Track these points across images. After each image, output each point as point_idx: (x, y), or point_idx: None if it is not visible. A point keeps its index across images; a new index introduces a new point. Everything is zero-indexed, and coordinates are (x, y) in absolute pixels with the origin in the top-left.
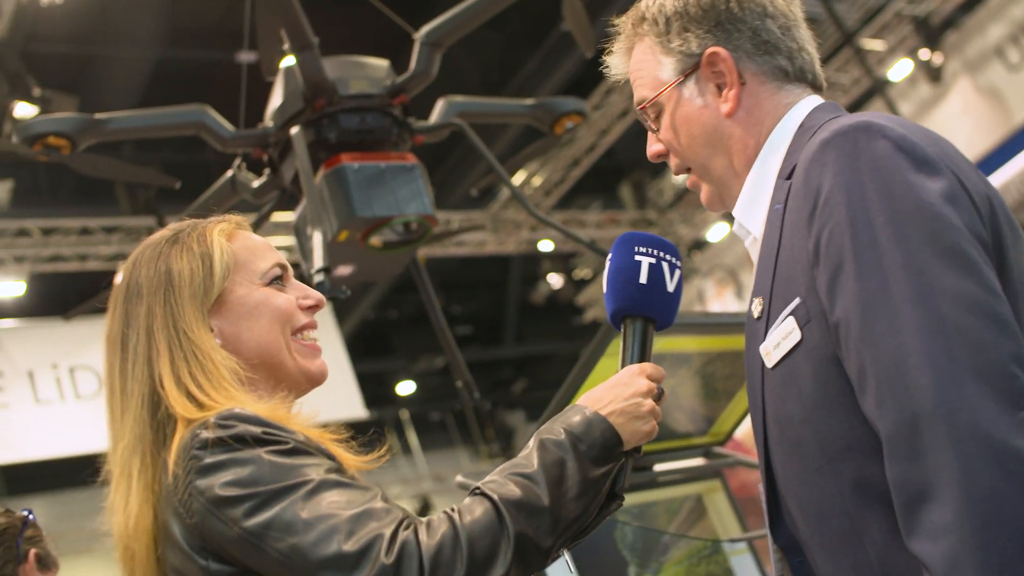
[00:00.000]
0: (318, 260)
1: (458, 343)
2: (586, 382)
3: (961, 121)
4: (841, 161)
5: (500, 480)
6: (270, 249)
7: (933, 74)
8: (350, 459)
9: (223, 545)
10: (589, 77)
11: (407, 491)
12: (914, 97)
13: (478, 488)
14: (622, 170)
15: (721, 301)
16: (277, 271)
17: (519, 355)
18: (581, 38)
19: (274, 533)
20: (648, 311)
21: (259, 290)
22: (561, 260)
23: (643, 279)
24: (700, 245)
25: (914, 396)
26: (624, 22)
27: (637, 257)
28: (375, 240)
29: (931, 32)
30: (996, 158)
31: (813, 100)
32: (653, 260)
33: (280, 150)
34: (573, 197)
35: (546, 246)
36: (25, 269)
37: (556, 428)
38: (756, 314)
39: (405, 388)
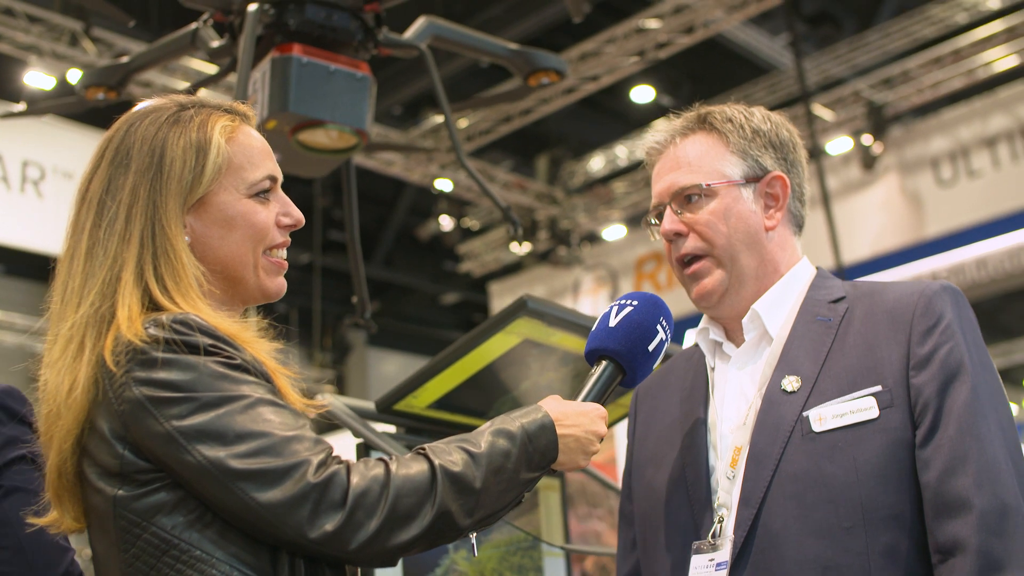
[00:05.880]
0: None
1: (330, 246)
2: (477, 349)
3: (878, 214)
4: (957, 306)
5: (446, 448)
6: (266, 156)
7: (868, 160)
8: (293, 398)
9: (146, 439)
10: (548, 42)
11: None
12: (843, 175)
13: (422, 448)
14: (546, 142)
15: (594, 298)
16: (266, 184)
17: (382, 279)
18: (573, 3)
19: (203, 439)
20: (633, 370)
21: (242, 201)
22: (454, 204)
23: (651, 347)
24: (593, 239)
25: (1007, 489)
26: (697, 112)
27: (658, 327)
28: (303, 137)
29: (880, 121)
30: (896, 258)
31: (807, 261)
32: (665, 338)
33: (241, 20)
34: (488, 149)
35: (444, 185)
36: None
37: (513, 421)
38: (790, 388)
39: None
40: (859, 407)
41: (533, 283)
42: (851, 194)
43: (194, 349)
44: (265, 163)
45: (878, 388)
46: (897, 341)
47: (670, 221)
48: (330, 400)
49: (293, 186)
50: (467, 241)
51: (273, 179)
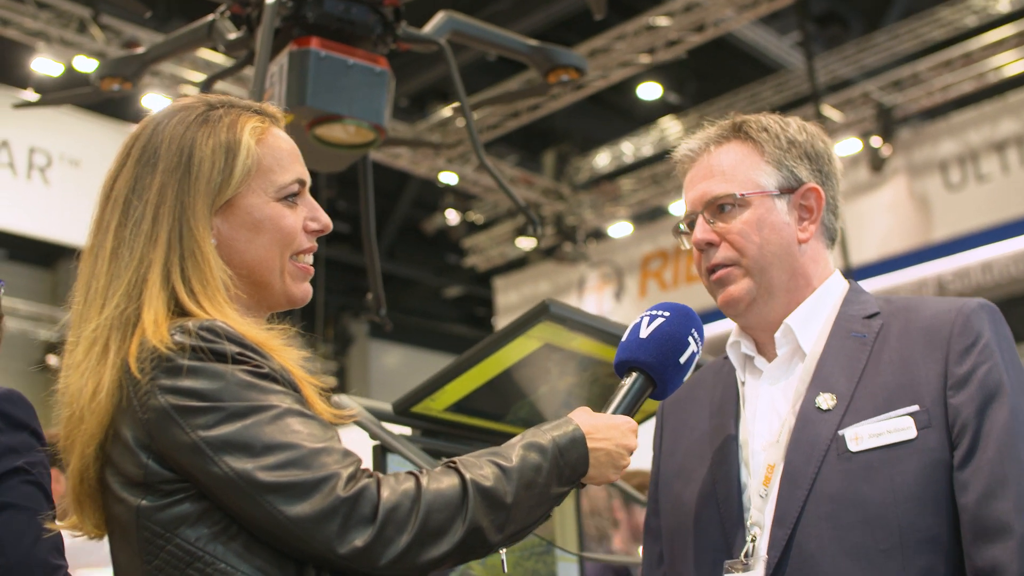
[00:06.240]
0: None
1: (332, 238)
2: (497, 353)
3: (885, 216)
4: (994, 324)
5: (476, 462)
6: (295, 159)
7: (876, 162)
8: (321, 407)
9: (171, 449)
10: (555, 38)
11: None
12: (850, 177)
13: (453, 462)
14: (553, 137)
15: (599, 295)
16: (295, 187)
17: (384, 270)
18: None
19: (230, 450)
20: (664, 382)
21: (271, 204)
22: (459, 198)
23: (683, 359)
24: (599, 235)
25: None
26: (732, 121)
27: (690, 339)
28: (320, 131)
29: (889, 123)
30: (902, 261)
31: (840, 275)
32: (696, 350)
33: (259, 13)
34: (494, 144)
35: (450, 178)
36: None
37: (544, 434)
38: (825, 406)
39: None
40: (896, 427)
41: (538, 279)
42: (859, 196)
43: (221, 357)
44: (294, 166)
45: (915, 408)
46: (934, 359)
47: (702, 230)
48: (356, 408)
49: None
50: (472, 235)
51: (302, 183)
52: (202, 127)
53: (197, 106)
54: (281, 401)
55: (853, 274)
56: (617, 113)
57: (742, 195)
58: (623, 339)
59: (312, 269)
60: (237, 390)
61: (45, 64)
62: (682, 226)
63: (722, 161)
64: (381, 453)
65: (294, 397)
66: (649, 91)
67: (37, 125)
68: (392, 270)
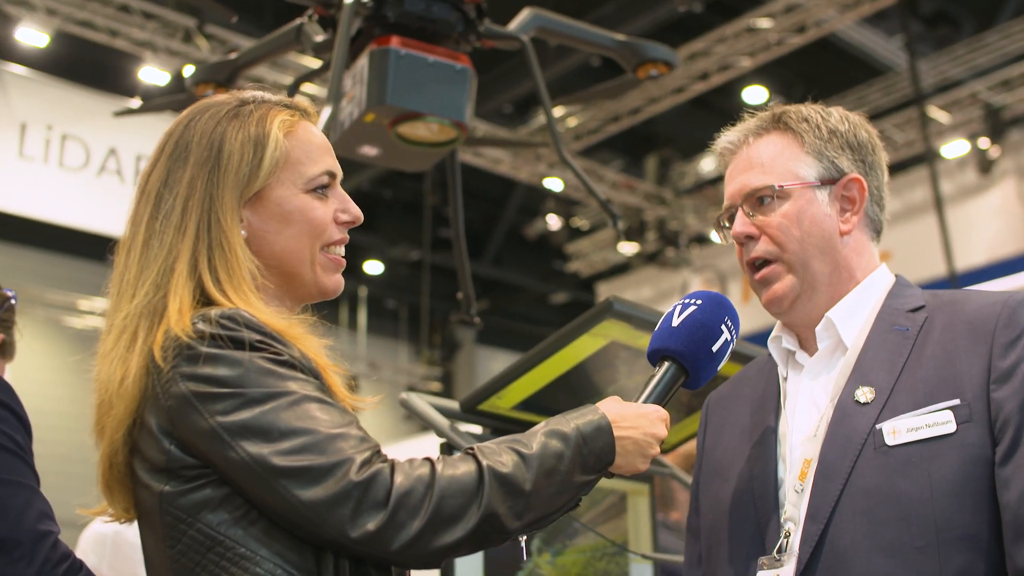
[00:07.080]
0: None
1: (440, 243)
2: (563, 351)
3: (993, 219)
4: None
5: (495, 448)
6: (325, 152)
7: (984, 164)
8: (344, 394)
9: (191, 435)
10: (658, 40)
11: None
12: (958, 179)
13: (471, 448)
14: (655, 141)
15: None
16: (324, 179)
17: (490, 276)
18: None
19: (247, 435)
20: (696, 371)
21: (300, 196)
22: (563, 203)
23: (715, 348)
24: (701, 240)
25: None
26: (772, 112)
27: (723, 327)
28: (403, 130)
29: (998, 124)
30: (1011, 266)
31: (886, 268)
32: (729, 338)
33: None
34: (597, 149)
35: (555, 184)
36: (54, 24)
37: (568, 422)
38: (864, 400)
39: (372, 267)
40: (935, 421)
41: (640, 284)
42: (966, 199)
43: (240, 344)
44: (324, 158)
45: (956, 402)
46: (978, 353)
47: (741, 223)
48: (413, 397)
49: (402, 183)
50: (575, 240)
51: (332, 175)
52: (232, 121)
53: (229, 101)
54: (300, 387)
55: (959, 279)
56: (722, 117)
57: (781, 187)
58: (656, 328)
59: (343, 261)
60: (255, 376)
61: (152, 73)
62: (723, 221)
63: (761, 153)
64: (447, 451)
65: (314, 384)
66: (755, 95)
67: (143, 133)
68: (499, 276)
